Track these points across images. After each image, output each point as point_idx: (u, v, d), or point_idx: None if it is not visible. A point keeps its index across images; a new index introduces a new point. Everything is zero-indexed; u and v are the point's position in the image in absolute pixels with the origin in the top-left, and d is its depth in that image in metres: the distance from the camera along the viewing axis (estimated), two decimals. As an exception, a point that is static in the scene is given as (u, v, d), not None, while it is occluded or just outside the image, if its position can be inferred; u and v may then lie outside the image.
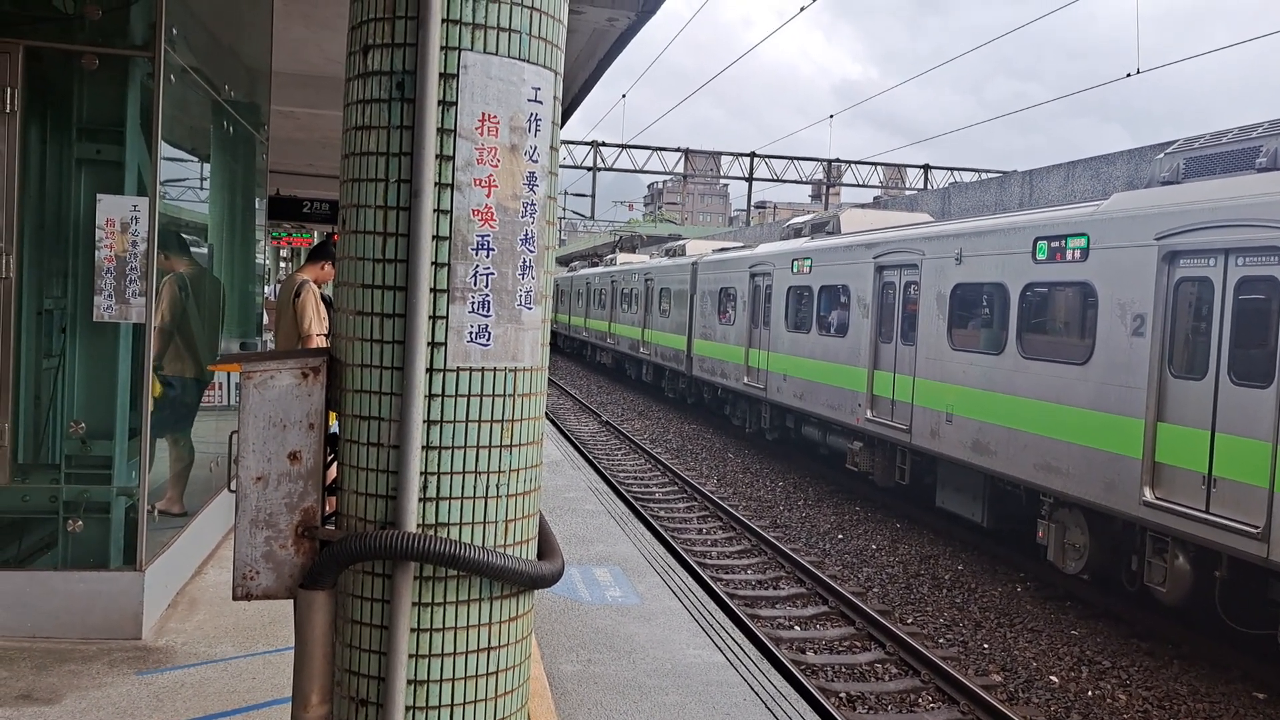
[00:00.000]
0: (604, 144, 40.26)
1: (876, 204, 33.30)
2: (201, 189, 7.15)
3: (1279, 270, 7.45)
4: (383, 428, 2.32)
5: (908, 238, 13.15)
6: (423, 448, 2.28)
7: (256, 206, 8.57)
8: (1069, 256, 9.79)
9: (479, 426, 2.33)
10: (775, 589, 10.48)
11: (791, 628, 9.34)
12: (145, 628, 5.20)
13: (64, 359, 5.31)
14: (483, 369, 2.33)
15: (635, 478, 16.36)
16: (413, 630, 2.29)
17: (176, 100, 5.62)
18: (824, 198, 45.96)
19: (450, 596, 2.32)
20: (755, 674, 5.78)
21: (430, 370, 2.29)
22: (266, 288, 15.20)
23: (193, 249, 6.73)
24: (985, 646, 8.99)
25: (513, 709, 2.44)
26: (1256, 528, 7.38)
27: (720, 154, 44.01)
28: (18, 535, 5.42)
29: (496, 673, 2.39)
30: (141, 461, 5.22)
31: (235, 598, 2.45)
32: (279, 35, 7.80)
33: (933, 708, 7.59)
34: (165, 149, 5.33)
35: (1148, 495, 8.52)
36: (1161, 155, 9.60)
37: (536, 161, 2.40)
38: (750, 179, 41.16)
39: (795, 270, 16.64)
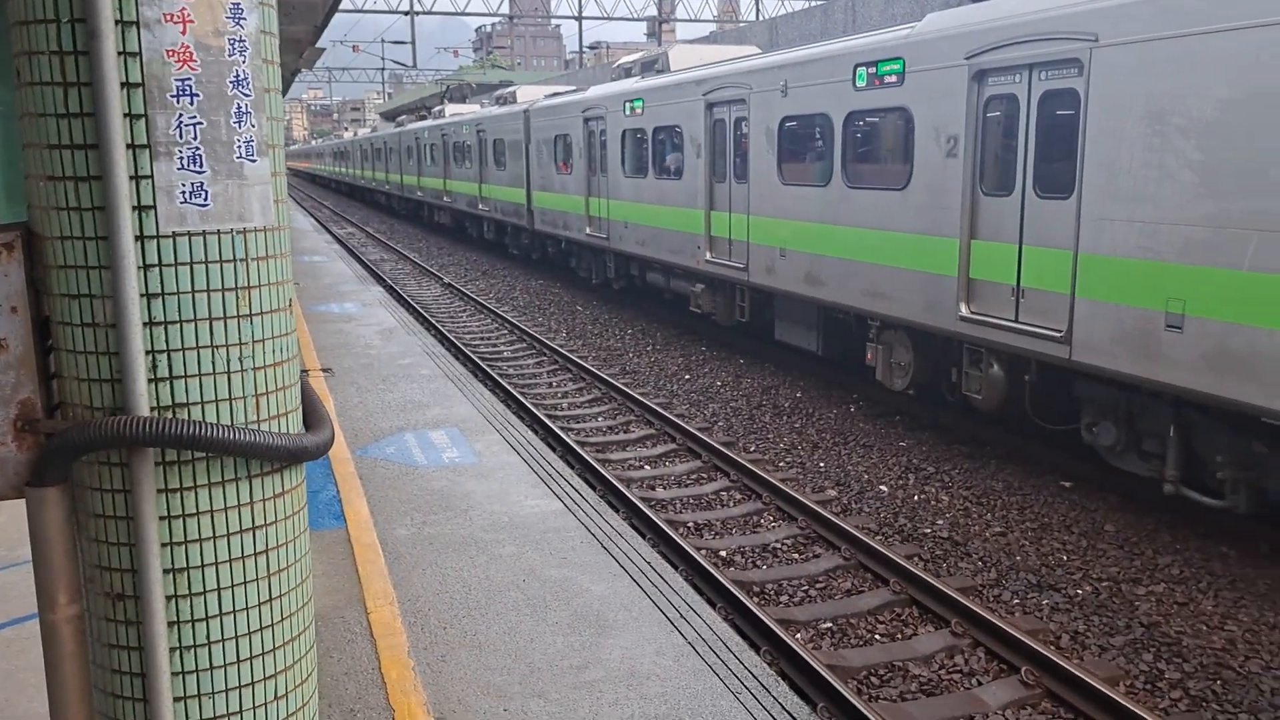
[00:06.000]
0: (423, -13, 37.85)
1: (710, 39, 32.75)
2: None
3: (1079, 83, 7.68)
4: (96, 305, 2.09)
5: (735, 72, 12.97)
6: (145, 324, 2.07)
7: None
8: (886, 82, 9.85)
9: (208, 296, 2.13)
10: (626, 433, 10.68)
11: (642, 467, 9.57)
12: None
13: None
14: (204, 232, 2.11)
15: (482, 338, 16.19)
16: (162, 518, 2.14)
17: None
18: (658, 35, 44.90)
19: (201, 479, 2.17)
20: (594, 517, 5.88)
21: (141, 238, 2.05)
22: None
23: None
24: (822, 465, 9.46)
25: (291, 584, 2.34)
26: (1060, 332, 7.86)
27: (550, -6, 42.19)
28: None
29: (267, 551, 2.27)
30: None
31: (-39, 504, 2.23)
32: None
33: (774, 526, 7.97)
34: None
35: (964, 310, 8.93)
36: (971, -28, 9.63)
37: (241, -9, 2.12)
38: (580, 17, 39.67)
39: (628, 112, 16.29)
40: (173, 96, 2.04)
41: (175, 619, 2.17)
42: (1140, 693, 5.53)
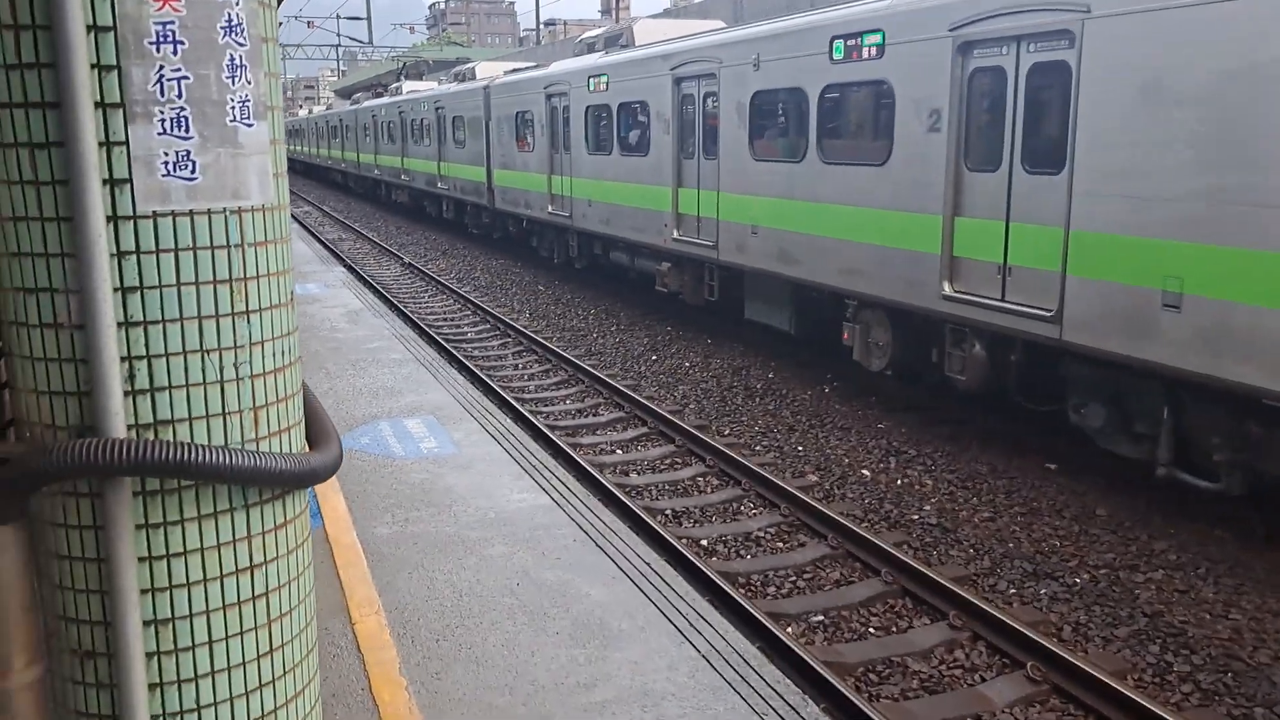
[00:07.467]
0: (373, -42, 36.74)
1: (670, 14, 32.23)
2: None
3: (1069, 55, 7.45)
4: (59, 302, 1.70)
5: (704, 46, 12.62)
6: (119, 325, 1.69)
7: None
8: (865, 54, 9.56)
9: (197, 290, 1.75)
10: (595, 416, 10.36)
11: (614, 452, 9.26)
12: None
13: None
14: (191, 212, 1.73)
15: (445, 319, 15.73)
16: (142, 560, 1.77)
17: None
18: (614, 12, 44.24)
19: (189, 512, 1.80)
20: (584, 512, 5.56)
21: (114, 218, 1.67)
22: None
23: None
24: (800, 449, 9.22)
25: (294, 631, 1.98)
26: (1050, 311, 7.67)
27: (501, -33, 41.25)
28: None
29: (266, 594, 1.91)
30: None
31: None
32: None
33: (755, 513, 7.71)
34: None
35: (947, 289, 8.72)
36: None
37: (232, -83, 1.74)
38: (535, -8, 38.87)
39: (592, 88, 15.85)
40: (151, 44, 1.65)
41: (158, 680, 1.80)
42: (1150, 686, 5.37)
